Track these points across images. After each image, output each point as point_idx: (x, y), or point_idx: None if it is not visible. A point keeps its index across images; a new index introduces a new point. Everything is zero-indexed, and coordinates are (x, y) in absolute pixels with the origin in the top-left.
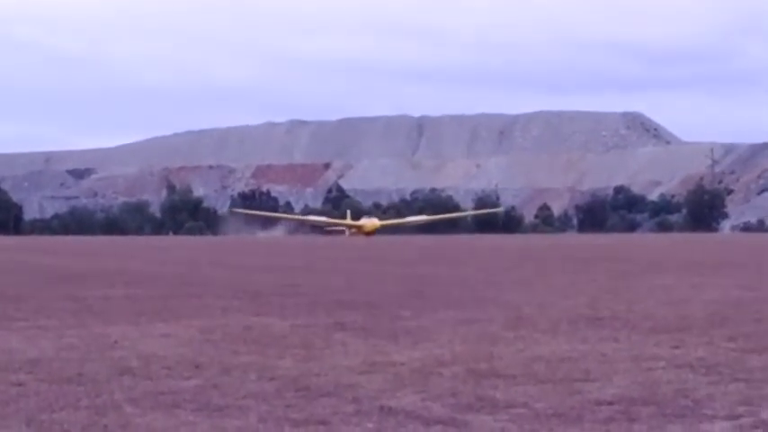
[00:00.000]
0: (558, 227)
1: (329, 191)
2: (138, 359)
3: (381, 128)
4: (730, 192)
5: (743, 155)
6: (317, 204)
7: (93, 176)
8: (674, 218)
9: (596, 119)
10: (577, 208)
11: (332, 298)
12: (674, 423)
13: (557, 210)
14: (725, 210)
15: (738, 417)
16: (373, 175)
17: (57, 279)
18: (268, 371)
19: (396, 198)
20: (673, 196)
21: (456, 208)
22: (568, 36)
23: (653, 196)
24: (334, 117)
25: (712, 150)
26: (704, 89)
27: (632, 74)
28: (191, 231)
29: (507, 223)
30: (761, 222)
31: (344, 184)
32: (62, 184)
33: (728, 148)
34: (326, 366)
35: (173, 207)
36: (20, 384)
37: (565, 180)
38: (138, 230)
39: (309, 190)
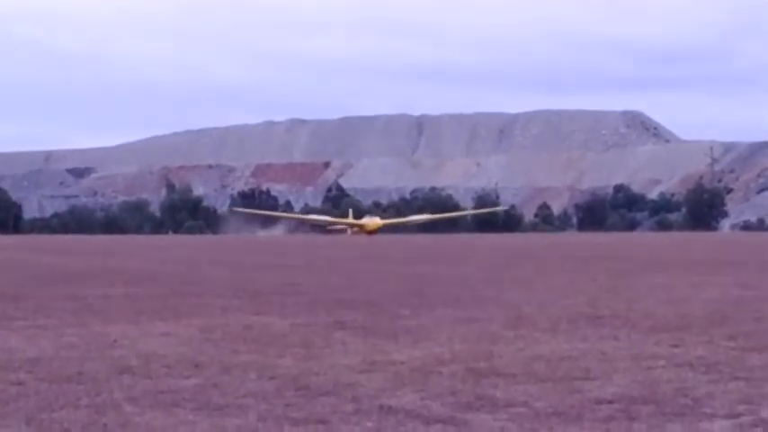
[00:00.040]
0: (558, 226)
1: (329, 190)
2: (137, 358)
3: (381, 127)
4: (730, 190)
5: (742, 153)
6: (317, 203)
7: (93, 175)
8: (673, 216)
9: (596, 117)
10: (577, 207)
11: (332, 297)
12: (673, 422)
13: (556, 208)
14: (724, 208)
15: (738, 415)
16: (373, 174)
17: (56, 278)
18: (268, 370)
19: (395, 197)
20: (672, 195)
21: (456, 207)
22: (568, 35)
23: (653, 195)
24: (333, 116)
25: (712, 149)
26: (704, 88)
27: (632, 72)
28: (190, 230)
29: (507, 222)
30: (760, 221)
31: (344, 183)
32: (62, 183)
33: (728, 147)
34: (326, 365)
35: (172, 206)
36: (19, 383)
37: (564, 179)
38: (138, 229)
39: (309, 189)
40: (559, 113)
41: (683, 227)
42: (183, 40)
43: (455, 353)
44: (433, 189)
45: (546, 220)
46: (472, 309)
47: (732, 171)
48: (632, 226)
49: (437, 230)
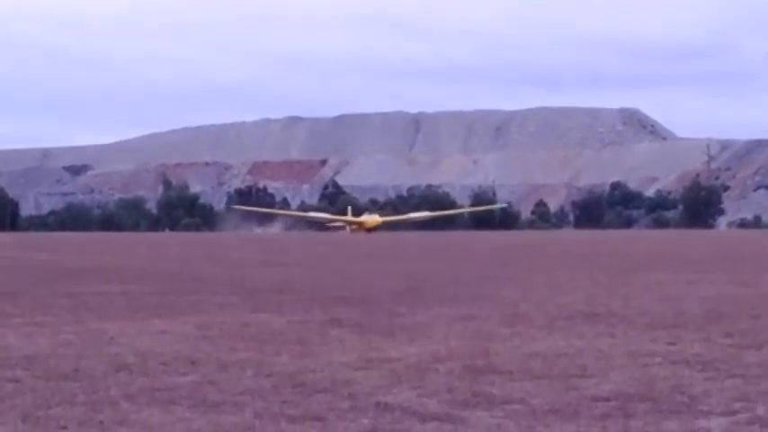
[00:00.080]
0: (555, 223)
1: (325, 187)
2: (134, 355)
3: (378, 124)
4: (726, 188)
5: (739, 151)
6: (314, 201)
7: (90, 173)
8: (670, 214)
9: (593, 115)
10: (574, 204)
11: (328, 294)
12: (670, 419)
13: (553, 206)
14: (721, 206)
15: (735, 413)
16: (370, 172)
17: (53, 275)
18: (264, 367)
19: (392, 194)
20: (669, 192)
21: (453, 204)
22: (565, 32)
23: (649, 192)
24: (330, 113)
25: (708, 146)
26: (701, 85)
27: (629, 70)
28: (187, 228)
29: (504, 220)
30: (757, 218)
31: (341, 181)
32: (58, 181)
33: (725, 145)
34: (323, 362)
35: (169, 203)
36: (16, 381)
37: (561, 176)
38: (135, 227)
39: (306, 186)
40: (556, 111)
41: (679, 224)
42: (181, 39)
43: (452, 350)
44: (429, 186)
45: (543, 218)
46: (469, 306)
47: (729, 169)
48: (629, 223)
49: (434, 228)
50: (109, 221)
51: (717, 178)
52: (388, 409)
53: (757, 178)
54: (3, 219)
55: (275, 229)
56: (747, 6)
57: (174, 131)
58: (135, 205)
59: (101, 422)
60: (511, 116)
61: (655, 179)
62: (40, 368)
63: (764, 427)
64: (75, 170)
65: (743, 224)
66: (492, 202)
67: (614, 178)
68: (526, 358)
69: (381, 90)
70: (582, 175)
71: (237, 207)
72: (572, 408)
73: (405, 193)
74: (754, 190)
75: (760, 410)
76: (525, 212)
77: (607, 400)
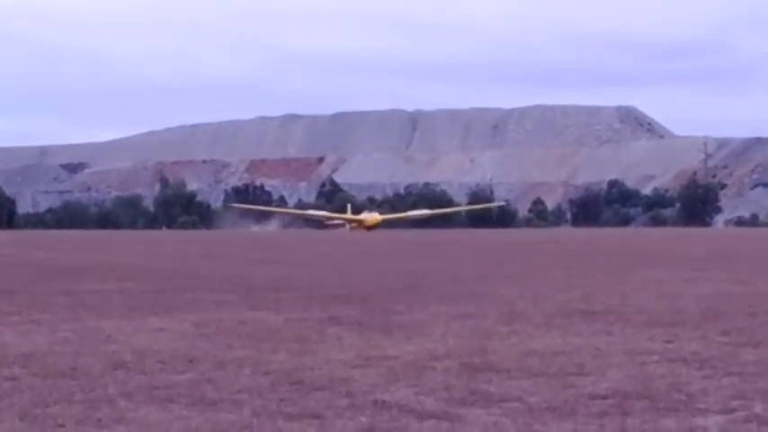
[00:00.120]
0: (552, 221)
1: (323, 185)
2: (131, 353)
3: (375, 122)
4: (723, 186)
5: (736, 149)
6: (311, 198)
7: (87, 171)
8: (667, 212)
9: (590, 113)
10: (571, 202)
11: (326, 292)
12: (667, 417)
13: (550, 204)
14: (718, 204)
15: (732, 411)
16: (367, 170)
17: (50, 273)
18: (262, 365)
19: (390, 192)
20: (666, 190)
21: (450, 202)
22: (562, 30)
23: (646, 190)
24: (327, 111)
25: (705, 144)
26: (698, 83)
27: (626, 68)
28: (184, 225)
29: (501, 217)
30: (754, 217)
31: (338, 179)
32: (55, 179)
33: (722, 143)
34: (320, 360)
35: (166, 201)
36: (13, 379)
37: (558, 174)
38: (132, 225)
39: (303, 184)
40: (553, 109)
41: (676, 222)
42: (177, 36)
43: (449, 348)
44: (426, 184)
45: (540, 216)
46: (466, 304)
47: (726, 167)
48: (626, 221)
49: (431, 226)
50: (106, 219)
51: (714, 176)
52: (386, 407)
53: (754, 176)
54: (0, 217)
55: (272, 226)
56: (744, 4)
57: (171, 129)
58: (132, 203)
59: (98, 420)
60: (508, 114)
61: (652, 177)
62: (37, 366)
63: (762, 425)
64: (73, 168)
65: (740, 222)
66: (489, 200)
67: (611, 176)
68: (523, 356)
69: (379, 88)
70: (579, 173)
71: (235, 205)
72: (569, 406)
73: (402, 191)
74: (752, 188)
75: (757, 408)
76: (522, 210)
77: (604, 397)
